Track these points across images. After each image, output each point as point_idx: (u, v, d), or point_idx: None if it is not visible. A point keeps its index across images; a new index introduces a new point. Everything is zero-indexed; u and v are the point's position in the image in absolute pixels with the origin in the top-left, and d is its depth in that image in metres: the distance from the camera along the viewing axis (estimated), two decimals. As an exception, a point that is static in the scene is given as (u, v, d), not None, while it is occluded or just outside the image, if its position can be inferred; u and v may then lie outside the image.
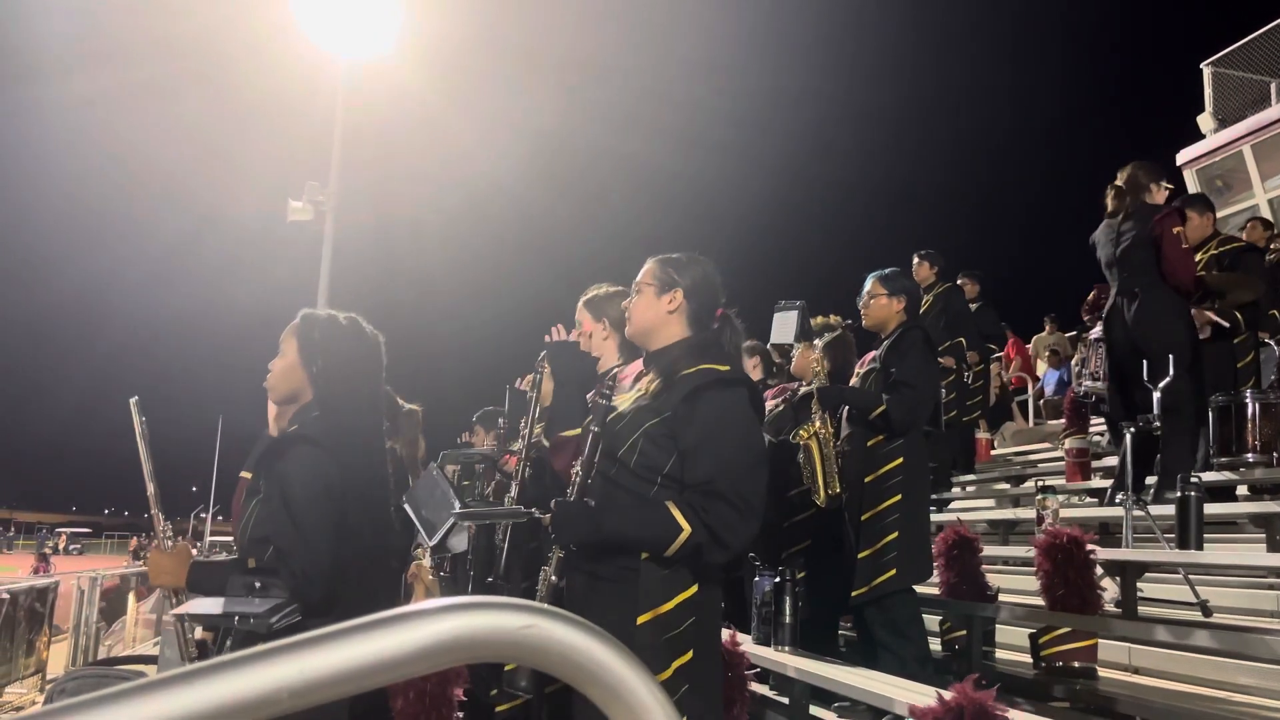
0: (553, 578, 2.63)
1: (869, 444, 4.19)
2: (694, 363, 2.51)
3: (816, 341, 4.56)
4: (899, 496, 4.07)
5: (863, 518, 4.12)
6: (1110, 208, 5.56)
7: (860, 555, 4.08)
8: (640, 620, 2.36)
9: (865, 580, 4.04)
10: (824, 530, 4.47)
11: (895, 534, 4.03)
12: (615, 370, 2.96)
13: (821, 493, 4.24)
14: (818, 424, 4.27)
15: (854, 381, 4.46)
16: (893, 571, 4.00)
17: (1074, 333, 12.97)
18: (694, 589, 2.39)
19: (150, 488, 2.71)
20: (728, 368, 2.53)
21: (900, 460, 4.11)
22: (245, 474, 2.91)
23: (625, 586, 2.40)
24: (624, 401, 2.61)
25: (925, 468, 4.31)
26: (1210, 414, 5.08)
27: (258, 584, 2.33)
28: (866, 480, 4.15)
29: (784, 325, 4.44)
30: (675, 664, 2.33)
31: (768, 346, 5.29)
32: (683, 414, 2.43)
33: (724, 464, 2.38)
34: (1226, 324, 5.54)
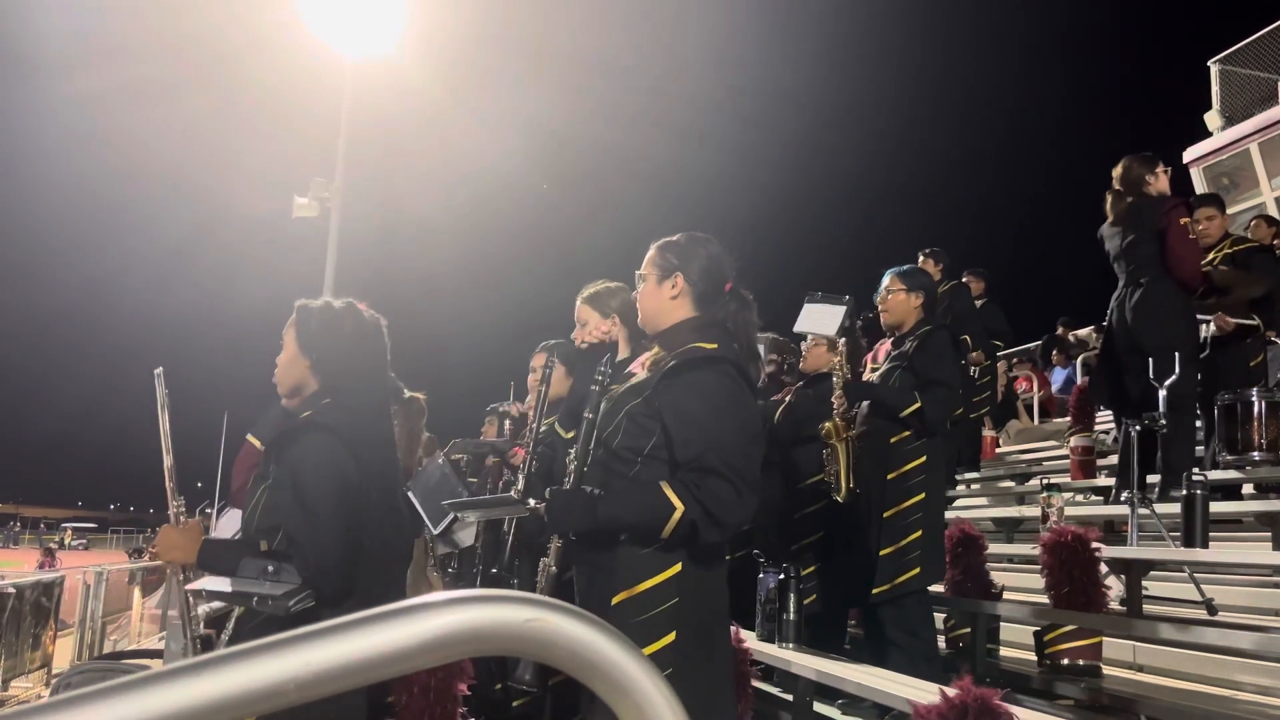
0: (553, 568, 2.61)
1: (893, 440, 4.13)
2: (686, 342, 2.49)
3: (846, 340, 4.49)
4: (923, 495, 4.04)
5: (885, 515, 4.06)
6: (1111, 215, 5.56)
7: (882, 553, 4.03)
8: (615, 600, 2.31)
9: (887, 578, 4.00)
10: (835, 525, 4.45)
11: (919, 533, 4.00)
12: (613, 359, 2.94)
13: (844, 489, 4.18)
14: (843, 420, 4.20)
15: (867, 377, 4.44)
16: (916, 570, 3.97)
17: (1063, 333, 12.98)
18: (677, 568, 2.33)
19: (168, 460, 2.69)
20: (714, 345, 2.47)
21: (924, 459, 4.08)
22: (252, 437, 2.88)
23: (607, 570, 2.37)
24: (621, 387, 2.61)
25: (944, 466, 4.29)
26: (1216, 412, 5.08)
27: (271, 568, 2.30)
28: (889, 477, 4.09)
29: (827, 317, 4.28)
30: (655, 645, 2.26)
31: (793, 332, 5.22)
32: (663, 391, 2.40)
33: (713, 440, 2.32)
34: (1254, 322, 5.52)
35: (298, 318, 2.60)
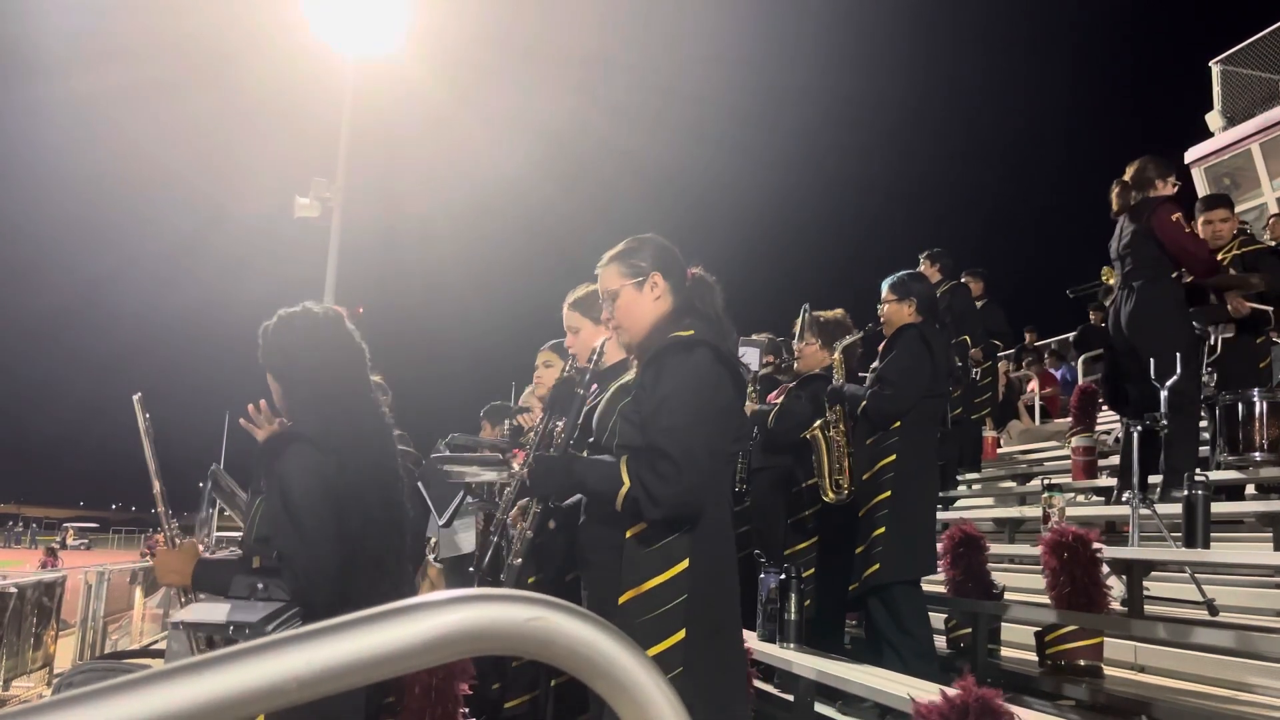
0: (529, 533, 2.65)
1: (867, 442, 4.26)
2: (666, 333, 2.50)
3: (839, 343, 4.56)
4: (889, 493, 4.10)
5: (859, 514, 4.18)
6: (1115, 206, 5.56)
7: (856, 551, 4.14)
8: (621, 600, 2.31)
9: (856, 575, 4.11)
10: (832, 527, 4.48)
11: (882, 529, 4.06)
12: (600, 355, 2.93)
13: (829, 490, 4.26)
14: (829, 418, 4.30)
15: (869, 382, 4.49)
16: (876, 566, 4.03)
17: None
18: (684, 564, 2.33)
19: (156, 485, 2.70)
20: (691, 332, 2.47)
21: (894, 457, 4.14)
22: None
23: (610, 570, 2.37)
24: (611, 388, 2.61)
25: (925, 465, 4.29)
26: (1218, 412, 5.07)
27: (260, 585, 2.31)
28: (864, 478, 4.21)
29: (748, 356, 4.59)
30: (665, 643, 2.27)
31: (779, 341, 5.33)
32: (646, 382, 2.42)
33: (671, 421, 2.33)
34: (1267, 308, 5.52)
35: (261, 335, 2.62)
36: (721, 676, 2.41)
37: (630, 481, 2.31)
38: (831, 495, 4.27)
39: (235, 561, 2.54)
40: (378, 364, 3.45)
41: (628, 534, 2.36)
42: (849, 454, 4.28)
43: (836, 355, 4.48)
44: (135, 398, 2.68)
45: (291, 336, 2.55)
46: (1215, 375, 5.60)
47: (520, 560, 2.69)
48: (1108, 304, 5.69)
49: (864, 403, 4.21)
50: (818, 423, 4.32)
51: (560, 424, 3.14)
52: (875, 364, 4.45)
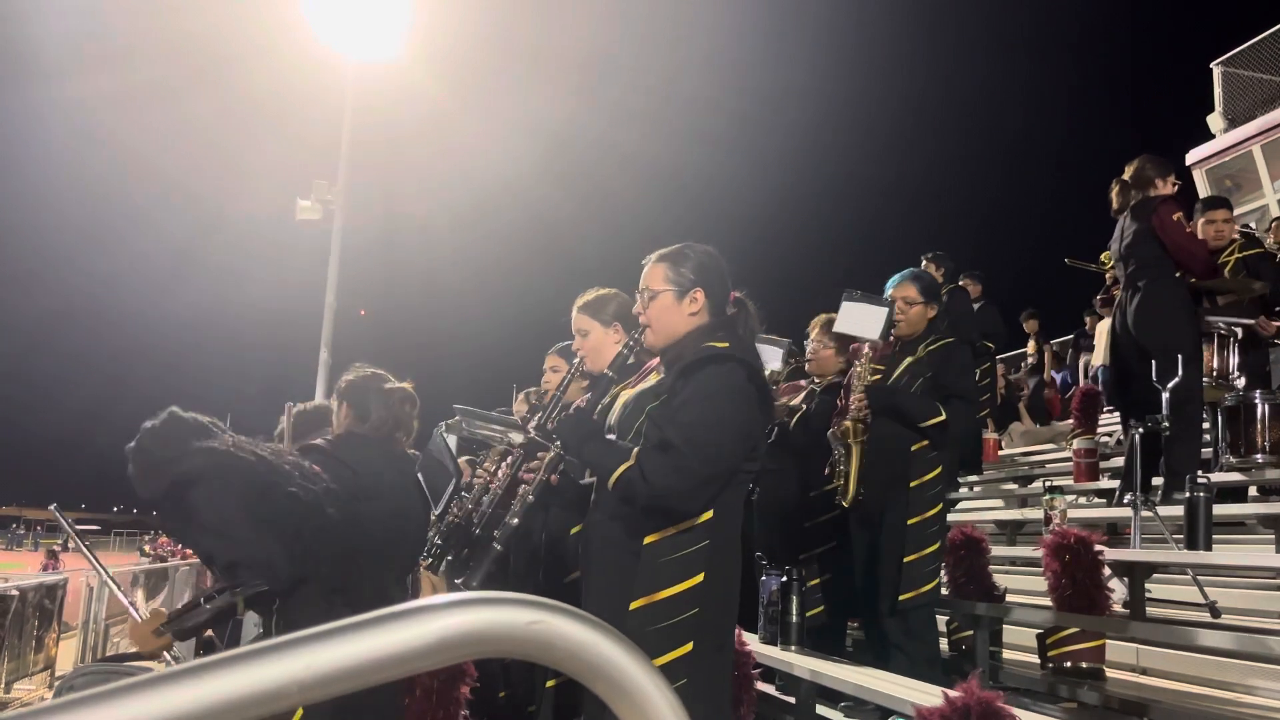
0: (530, 498, 2.74)
1: (913, 449, 4.10)
2: (699, 344, 2.51)
3: (864, 343, 4.36)
4: (940, 506, 4.08)
5: (909, 522, 4.03)
6: (1115, 205, 5.56)
7: (907, 559, 3.99)
8: (632, 606, 2.30)
9: (914, 584, 3.97)
10: (844, 532, 4.40)
11: (937, 545, 4.05)
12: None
13: (851, 493, 4.11)
14: (860, 422, 4.11)
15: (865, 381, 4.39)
16: (937, 581, 4.03)
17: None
18: (699, 578, 2.32)
19: (104, 574, 3.12)
20: (727, 344, 2.49)
21: (940, 469, 4.10)
22: None
23: (624, 574, 2.37)
24: (634, 391, 2.62)
25: (953, 478, 4.29)
26: (1220, 414, 5.06)
27: (223, 591, 2.70)
28: (913, 485, 4.08)
29: (868, 319, 4.18)
30: (671, 655, 2.26)
31: (834, 332, 5.04)
32: (678, 389, 2.43)
33: (688, 419, 2.35)
34: None
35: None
36: (721, 690, 2.44)
37: (633, 461, 2.33)
38: (850, 498, 4.12)
39: (194, 597, 2.90)
40: (395, 369, 3.50)
41: (646, 540, 2.35)
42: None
43: (865, 358, 4.23)
44: (51, 508, 3.04)
45: (143, 459, 2.66)
46: (1244, 378, 5.54)
47: (517, 520, 2.73)
48: (1100, 300, 5.69)
49: (940, 419, 4.05)
50: (853, 424, 4.10)
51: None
52: (905, 370, 4.26)
